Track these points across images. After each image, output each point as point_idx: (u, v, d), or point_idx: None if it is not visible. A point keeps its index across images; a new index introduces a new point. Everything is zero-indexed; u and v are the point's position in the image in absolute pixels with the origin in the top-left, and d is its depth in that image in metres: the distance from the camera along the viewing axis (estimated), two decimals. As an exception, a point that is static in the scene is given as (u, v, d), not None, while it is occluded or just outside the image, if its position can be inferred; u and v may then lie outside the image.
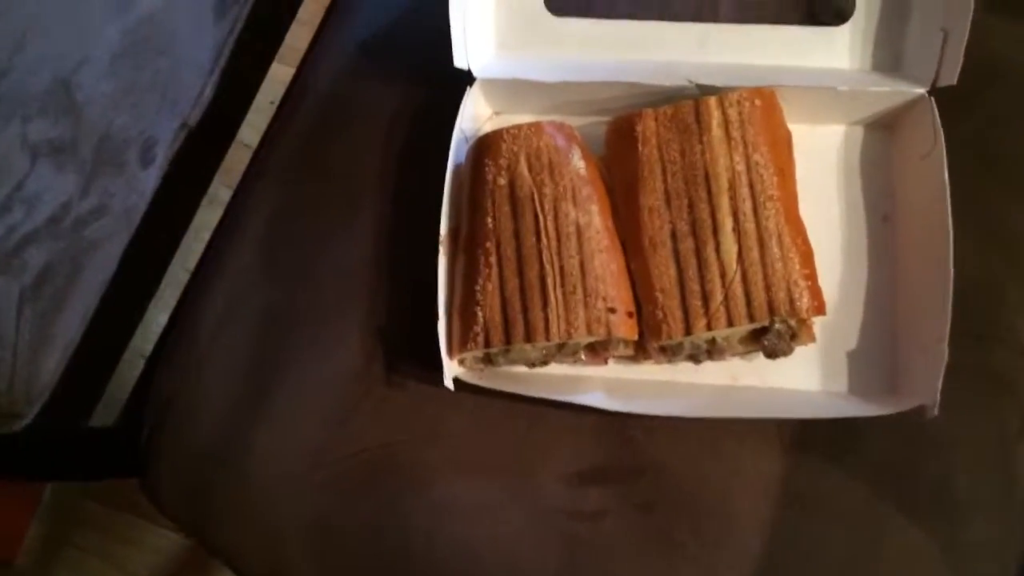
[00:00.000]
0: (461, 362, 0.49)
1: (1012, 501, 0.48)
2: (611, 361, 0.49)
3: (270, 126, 0.60)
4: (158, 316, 0.66)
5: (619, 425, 0.49)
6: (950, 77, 0.46)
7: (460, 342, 0.47)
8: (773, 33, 0.52)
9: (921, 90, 0.48)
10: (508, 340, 0.46)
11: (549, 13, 0.53)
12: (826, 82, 0.49)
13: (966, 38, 0.45)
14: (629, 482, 0.49)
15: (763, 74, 0.50)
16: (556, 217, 0.47)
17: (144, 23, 0.41)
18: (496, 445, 0.50)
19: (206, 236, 0.59)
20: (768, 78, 0.49)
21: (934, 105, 0.47)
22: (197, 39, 0.46)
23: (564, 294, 0.46)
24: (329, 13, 0.64)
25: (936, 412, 0.43)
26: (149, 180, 0.47)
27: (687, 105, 0.47)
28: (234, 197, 0.59)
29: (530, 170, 0.48)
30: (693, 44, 0.52)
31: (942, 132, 0.46)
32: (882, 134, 0.51)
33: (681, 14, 0.53)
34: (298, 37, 0.67)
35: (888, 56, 0.51)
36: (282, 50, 0.71)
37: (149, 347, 0.62)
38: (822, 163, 0.51)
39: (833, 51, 0.51)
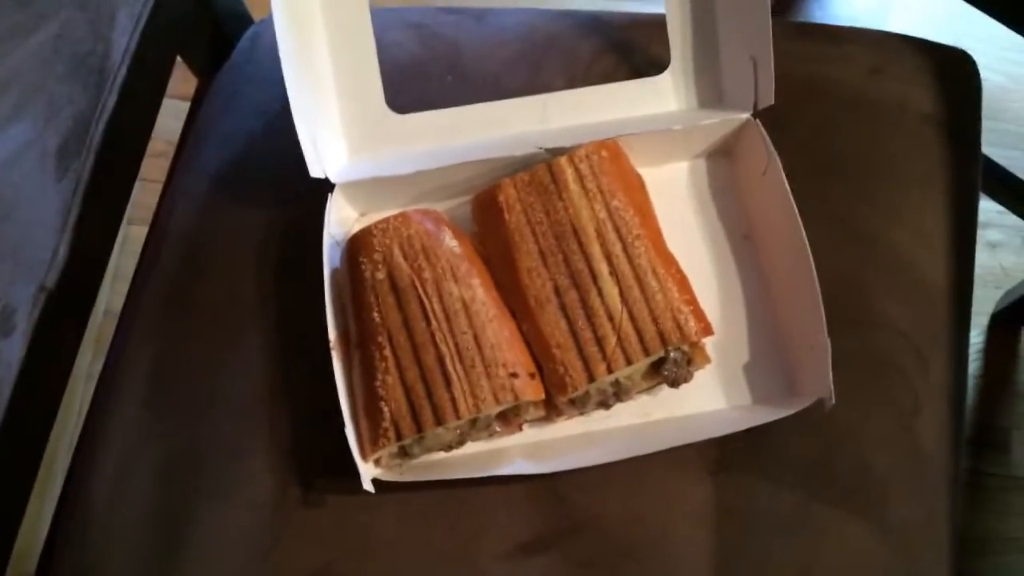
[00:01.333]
0: (377, 462, 0.48)
1: (925, 472, 0.50)
2: (525, 426, 0.50)
3: (134, 278, 0.59)
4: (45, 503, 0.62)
5: (548, 487, 0.49)
6: (767, 98, 0.51)
7: (371, 441, 0.47)
8: (604, 91, 0.55)
9: (746, 115, 0.52)
10: (419, 428, 0.46)
11: (392, 112, 0.55)
12: (661, 125, 0.52)
13: (772, 60, 0.50)
14: (568, 542, 0.49)
15: (603, 128, 0.53)
16: (441, 298, 0.48)
17: (-17, 190, 0.40)
18: (431, 540, 0.49)
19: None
20: (609, 131, 0.52)
21: (760, 126, 0.51)
22: (41, 199, 0.45)
23: (465, 370, 0.46)
24: (177, 157, 0.64)
25: (833, 402, 0.45)
26: (13, 351, 0.45)
27: (541, 168, 0.50)
28: (108, 356, 0.57)
29: (406, 258, 0.48)
30: (535, 115, 0.55)
31: (774, 149, 0.50)
32: (723, 161, 0.55)
33: (516, 91, 0.56)
34: (150, 194, 0.67)
35: (710, 91, 0.55)
36: (141, 212, 0.70)
37: (42, 535, 0.58)
38: (675, 197, 0.54)
39: (660, 97, 0.55)
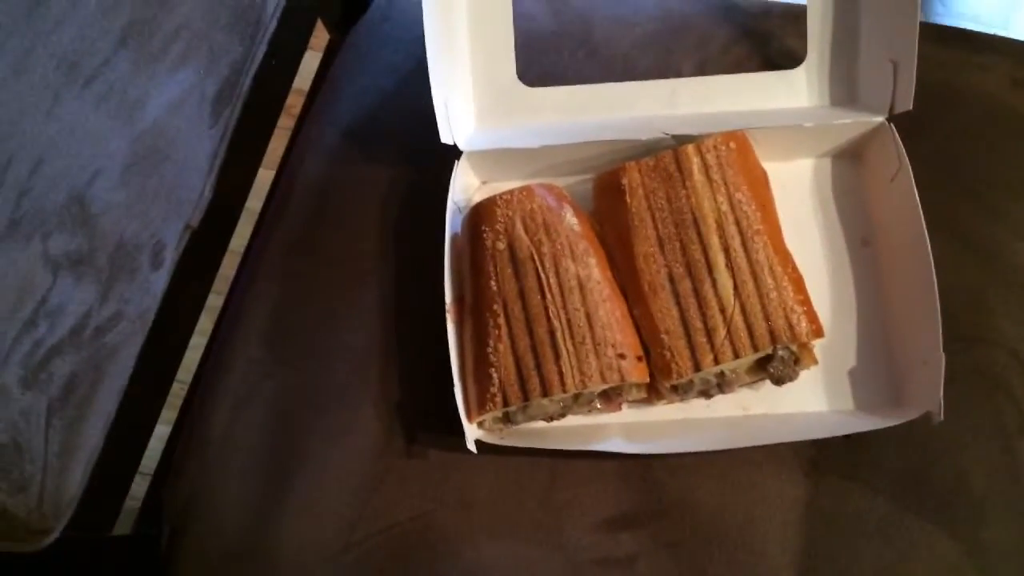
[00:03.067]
0: (480, 424, 0.50)
1: (1021, 490, 0.49)
2: (625, 406, 0.51)
3: (259, 221, 0.61)
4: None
5: (641, 468, 0.50)
6: (905, 103, 0.50)
7: (478, 404, 0.48)
8: (735, 81, 0.55)
9: (880, 118, 0.51)
10: (526, 397, 0.47)
11: (523, 85, 0.56)
12: (791, 120, 0.52)
13: (915, 66, 0.49)
14: (657, 523, 0.50)
15: (732, 119, 0.53)
16: (557, 273, 0.49)
17: (149, 132, 0.42)
18: (523, 503, 0.51)
19: (200, 342, 0.60)
20: (737, 122, 0.52)
21: (894, 130, 0.50)
22: (197, 143, 0.47)
23: (574, 345, 0.48)
24: (307, 108, 0.66)
25: (941, 418, 0.45)
26: (159, 282, 0.48)
27: (667, 155, 0.50)
28: (232, 291, 0.60)
29: (527, 231, 0.50)
30: (662, 100, 0.55)
31: (905, 154, 0.49)
32: (850, 162, 0.54)
33: (647, 74, 0.56)
34: (276, 141, 0.69)
35: (844, 90, 0.54)
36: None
37: (150, 463, 0.62)
38: (798, 195, 0.54)
39: (793, 91, 0.55)
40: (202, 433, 0.55)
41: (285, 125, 0.69)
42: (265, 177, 0.67)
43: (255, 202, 0.65)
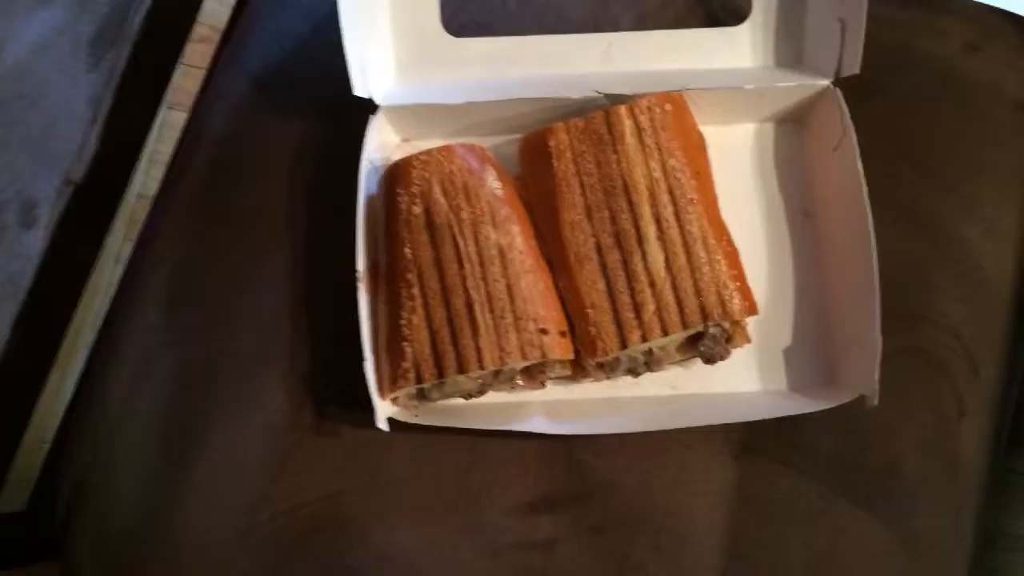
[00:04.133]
0: (394, 401, 0.46)
1: (956, 483, 0.48)
2: (549, 383, 0.48)
3: (166, 176, 0.57)
4: (64, 386, 0.62)
5: (564, 448, 0.48)
6: (852, 66, 0.47)
7: (390, 380, 0.45)
8: (674, 37, 0.51)
9: (825, 81, 0.48)
10: (441, 374, 0.44)
11: (448, 34, 0.52)
12: (732, 82, 0.49)
13: (863, 26, 0.45)
14: (579, 506, 0.47)
15: (669, 79, 0.49)
16: (477, 241, 0.45)
17: (9, 76, 0.37)
18: (439, 484, 0.48)
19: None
20: (675, 82, 0.48)
21: (840, 95, 0.47)
22: (70, 89, 0.42)
23: (494, 319, 0.44)
24: (219, 53, 0.61)
25: (876, 402, 0.43)
26: (34, 243, 0.43)
27: (598, 116, 0.47)
28: (134, 253, 0.55)
29: (445, 195, 0.46)
30: (596, 55, 0.52)
31: (851, 122, 0.46)
32: (793, 128, 0.51)
33: (581, 26, 0.52)
34: (190, 79, 0.64)
35: (790, 51, 0.51)
36: (180, 96, 0.68)
37: (56, 422, 0.58)
38: (737, 163, 0.51)
39: (735, 50, 0.51)
40: (99, 404, 0.51)
41: (201, 64, 0.64)
42: (178, 119, 0.62)
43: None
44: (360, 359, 0.45)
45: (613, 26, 0.52)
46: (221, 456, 0.49)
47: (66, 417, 0.57)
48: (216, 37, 0.67)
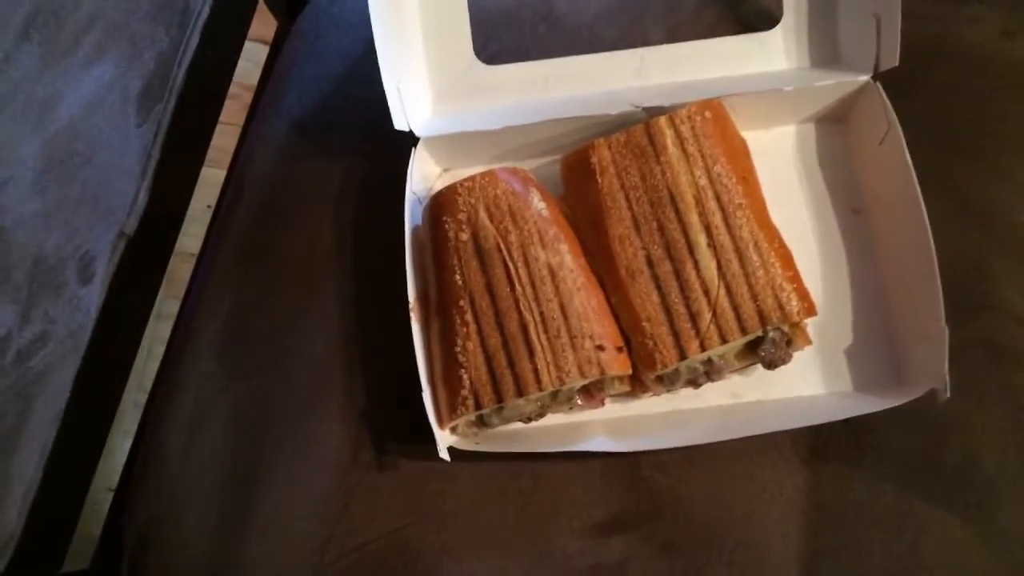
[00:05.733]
0: (453, 430, 0.46)
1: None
2: (608, 401, 0.47)
3: (211, 226, 0.58)
4: (122, 443, 0.62)
5: (628, 466, 0.47)
6: (891, 59, 0.46)
7: (449, 409, 0.45)
8: (707, 46, 0.51)
9: (864, 77, 0.47)
10: (499, 398, 0.44)
11: (481, 63, 0.52)
12: (770, 85, 0.48)
13: (899, 17, 0.45)
14: (650, 524, 0.46)
15: (706, 87, 0.49)
16: (526, 263, 0.45)
17: (64, 133, 0.38)
18: (505, 511, 0.47)
19: (160, 351, 0.56)
20: (712, 90, 0.48)
21: (881, 89, 0.47)
22: (122, 144, 0.43)
23: (549, 339, 0.44)
24: (256, 101, 0.62)
25: (947, 395, 0.42)
26: (91, 297, 0.44)
27: (639, 129, 0.46)
28: (184, 303, 0.56)
29: (491, 220, 0.46)
30: (630, 70, 0.52)
31: (894, 114, 0.46)
32: (835, 127, 0.51)
33: (613, 44, 0.52)
34: (226, 138, 0.65)
35: (825, 51, 0.51)
36: (212, 153, 0.69)
37: (115, 478, 0.58)
38: (781, 165, 0.50)
39: (769, 55, 0.51)
40: (157, 456, 0.52)
41: (235, 121, 0.66)
42: (218, 177, 0.64)
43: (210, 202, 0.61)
44: (417, 391, 0.45)
45: (644, 41, 0.52)
46: (284, 498, 0.49)
47: (126, 471, 0.57)
48: (245, 95, 0.68)
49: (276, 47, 0.66)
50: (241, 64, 0.69)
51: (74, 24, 0.38)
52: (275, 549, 0.48)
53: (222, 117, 0.71)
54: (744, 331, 0.44)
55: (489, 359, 0.44)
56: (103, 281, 0.44)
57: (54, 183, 0.38)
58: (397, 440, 0.49)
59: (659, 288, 0.45)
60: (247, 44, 0.69)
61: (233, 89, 0.73)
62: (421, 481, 0.48)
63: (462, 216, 0.46)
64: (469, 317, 0.45)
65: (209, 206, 0.63)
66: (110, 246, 0.45)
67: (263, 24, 0.69)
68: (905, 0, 0.45)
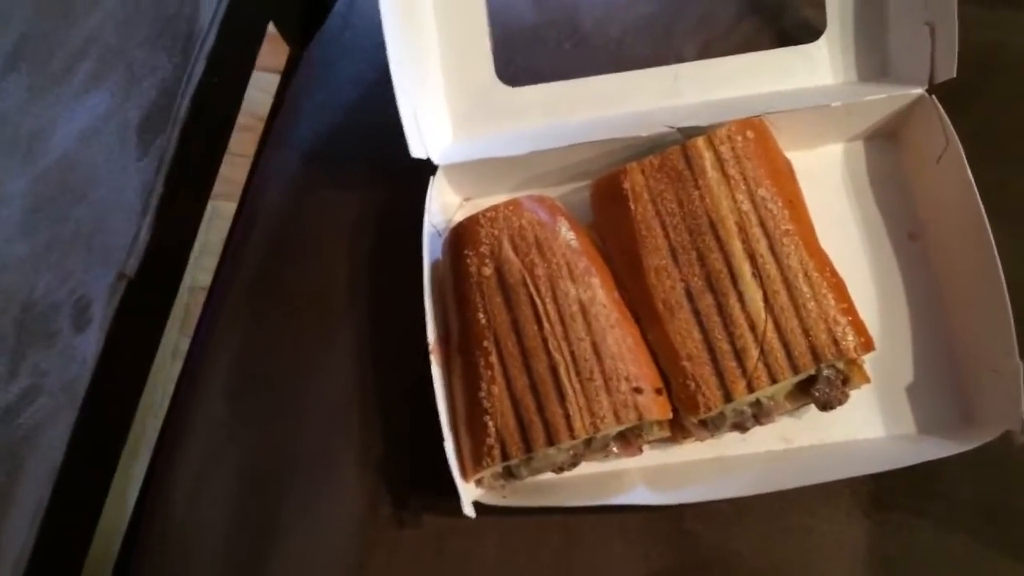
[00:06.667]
0: (478, 482, 0.43)
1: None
2: (646, 448, 0.43)
3: (221, 260, 0.55)
4: (129, 487, 0.59)
5: (671, 520, 0.43)
6: (947, 71, 0.43)
7: (474, 460, 0.41)
8: (746, 61, 0.48)
9: (919, 90, 0.44)
10: (528, 448, 0.40)
11: (503, 84, 0.49)
12: (815, 101, 0.45)
13: (956, 26, 0.42)
14: (696, 583, 0.42)
15: (746, 105, 0.46)
16: (555, 298, 0.42)
17: (56, 168, 0.35)
18: (536, 571, 0.44)
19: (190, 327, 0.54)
20: (753, 108, 0.45)
21: (937, 103, 0.43)
22: (121, 179, 0.41)
23: (581, 382, 0.41)
24: (269, 129, 0.60)
25: (1023, 437, 0.38)
26: (88, 345, 0.41)
27: (674, 151, 0.43)
28: (193, 342, 0.53)
29: (516, 252, 0.43)
30: (663, 90, 0.48)
31: (953, 130, 0.42)
32: (887, 145, 0.47)
33: (644, 61, 0.49)
34: (241, 171, 0.63)
35: (874, 62, 0.47)
36: (228, 187, 0.67)
37: (124, 524, 0.55)
38: (829, 187, 0.47)
39: (814, 68, 0.48)
40: (163, 511, 0.48)
41: (250, 153, 0.63)
42: (225, 209, 0.61)
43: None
44: (439, 439, 0.41)
45: (677, 58, 0.49)
46: (295, 557, 0.46)
47: (131, 527, 0.54)
48: (258, 125, 0.66)
49: (288, 76, 0.64)
50: (255, 95, 0.67)
51: (67, 51, 0.35)
52: (288, 611, 0.45)
53: (237, 149, 0.69)
54: (795, 370, 0.40)
55: (516, 404, 0.41)
56: (101, 327, 0.41)
57: (45, 222, 0.35)
58: (418, 494, 0.45)
59: (700, 324, 0.41)
60: (261, 74, 0.67)
61: (248, 120, 0.71)
62: (443, 538, 0.45)
63: (485, 249, 0.43)
64: (494, 359, 0.42)
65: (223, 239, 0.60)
66: (108, 289, 0.42)
67: (277, 53, 0.66)
68: (960, 7, 0.42)
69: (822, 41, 0.47)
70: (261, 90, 0.67)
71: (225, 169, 0.62)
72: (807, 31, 0.48)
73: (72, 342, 0.38)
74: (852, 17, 0.47)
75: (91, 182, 0.37)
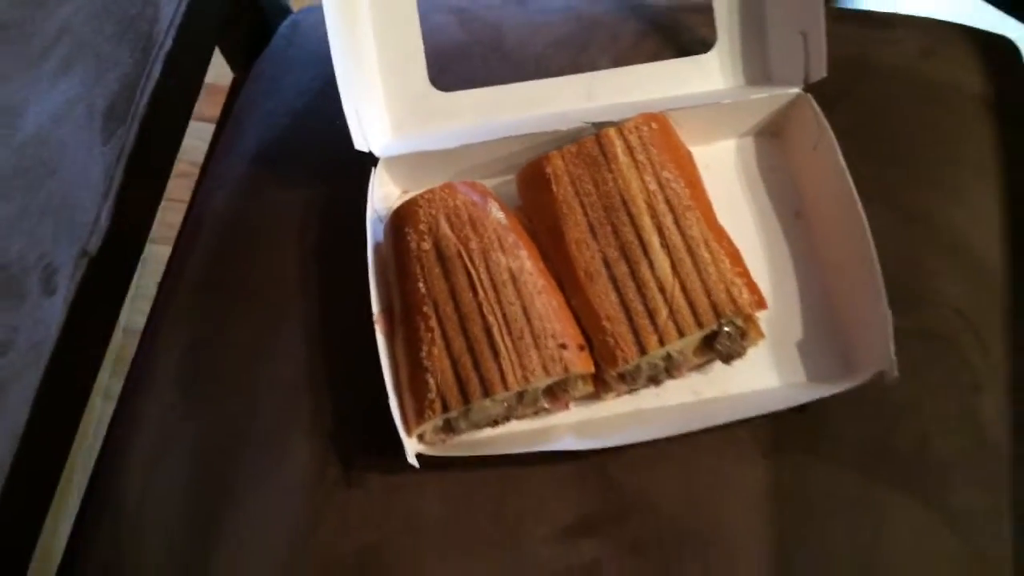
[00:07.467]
0: (421, 437, 0.46)
1: (988, 457, 0.48)
2: (573, 404, 0.48)
3: (168, 265, 0.58)
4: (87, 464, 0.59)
5: (597, 468, 0.47)
6: (819, 71, 0.50)
7: (416, 414, 0.45)
8: (650, 70, 0.54)
9: (796, 89, 0.51)
10: (466, 399, 0.44)
11: (436, 90, 0.54)
12: (709, 101, 0.51)
13: (824, 32, 0.49)
14: (619, 525, 0.47)
15: (651, 106, 0.52)
16: (488, 267, 0.46)
17: (32, 142, 0.39)
18: (475, 519, 0.47)
19: (124, 369, 0.55)
20: (656, 108, 0.51)
21: (812, 100, 0.50)
22: (87, 159, 0.44)
23: (513, 340, 0.45)
24: (213, 148, 0.63)
25: (896, 374, 0.43)
26: (54, 313, 0.44)
27: (590, 140, 0.49)
28: (143, 336, 0.56)
29: (452, 228, 0.47)
30: (580, 94, 0.54)
31: (826, 121, 0.49)
32: (772, 139, 0.54)
33: (562, 71, 0.55)
34: (176, 215, 0.65)
35: (758, 69, 0.54)
36: (164, 230, 0.68)
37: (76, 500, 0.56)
38: (724, 176, 0.53)
39: (707, 75, 0.55)
40: (114, 497, 0.50)
41: (182, 198, 0.65)
42: (162, 253, 0.62)
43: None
44: (384, 404, 0.45)
45: (592, 68, 0.55)
46: (249, 526, 0.48)
47: (79, 517, 0.55)
48: (195, 172, 0.68)
49: (232, 97, 0.67)
50: (193, 143, 0.69)
51: (43, 36, 0.39)
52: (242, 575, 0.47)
53: (175, 195, 0.71)
54: (700, 325, 0.45)
55: (455, 363, 0.45)
56: (65, 299, 0.44)
57: (20, 190, 0.39)
58: (366, 456, 0.48)
59: (617, 288, 0.46)
60: (197, 124, 0.69)
61: (185, 167, 0.72)
62: (390, 495, 0.48)
63: (423, 227, 0.48)
64: (433, 323, 0.46)
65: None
66: (72, 261, 0.45)
67: (213, 104, 0.69)
68: (830, 24, 0.49)
69: (713, 52, 0.54)
70: (198, 139, 0.69)
71: (163, 213, 0.63)
72: (701, 44, 0.55)
73: (40, 303, 0.41)
74: (738, 31, 0.54)
75: (62, 158, 0.41)
